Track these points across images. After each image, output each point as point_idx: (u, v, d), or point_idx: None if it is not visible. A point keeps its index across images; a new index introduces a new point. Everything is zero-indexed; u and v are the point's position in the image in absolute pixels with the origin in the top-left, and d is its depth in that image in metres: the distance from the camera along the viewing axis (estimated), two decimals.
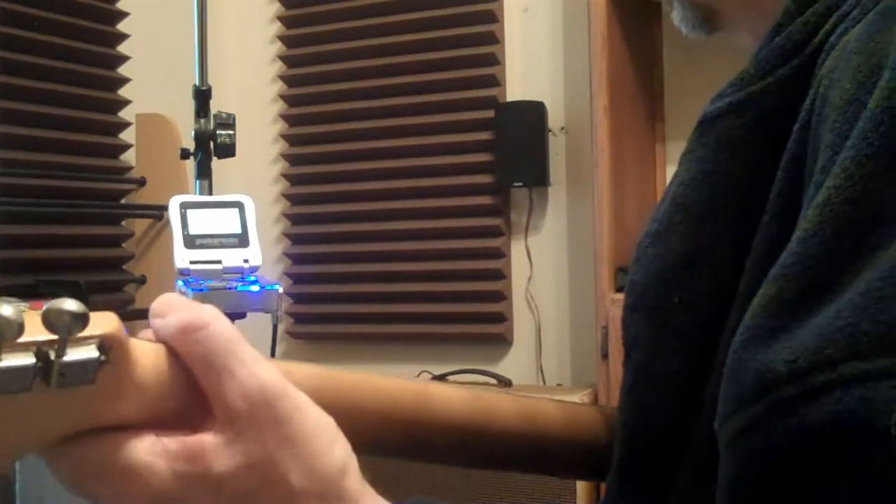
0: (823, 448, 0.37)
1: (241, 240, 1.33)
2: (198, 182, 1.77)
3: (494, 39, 2.68)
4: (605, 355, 2.16)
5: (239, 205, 1.36)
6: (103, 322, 0.37)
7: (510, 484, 2.15)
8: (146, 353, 0.40)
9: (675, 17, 0.67)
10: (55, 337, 0.35)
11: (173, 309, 0.42)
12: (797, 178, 0.46)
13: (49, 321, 0.35)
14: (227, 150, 1.75)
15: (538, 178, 2.58)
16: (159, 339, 0.42)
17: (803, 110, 0.47)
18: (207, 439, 0.41)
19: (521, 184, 2.60)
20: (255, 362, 0.42)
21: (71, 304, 0.35)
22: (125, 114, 2.54)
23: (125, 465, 0.39)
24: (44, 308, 0.35)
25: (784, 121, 0.48)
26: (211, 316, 0.42)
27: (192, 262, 1.28)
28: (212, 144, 1.75)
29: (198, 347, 0.41)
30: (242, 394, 0.41)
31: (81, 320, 0.35)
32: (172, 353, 0.42)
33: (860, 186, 0.39)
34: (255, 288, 1.27)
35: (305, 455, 0.42)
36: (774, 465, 0.39)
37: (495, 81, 2.67)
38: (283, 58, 2.97)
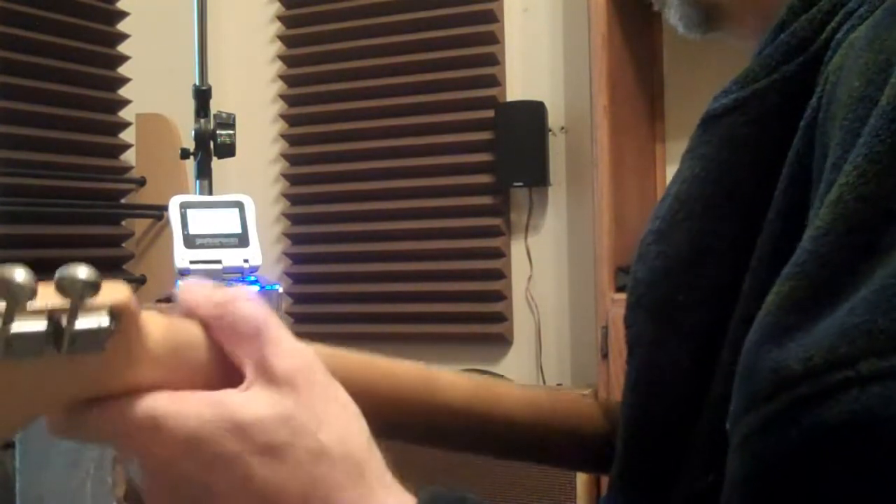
0: (840, 447, 0.37)
1: (241, 240, 1.33)
2: (198, 182, 1.77)
3: (494, 39, 2.68)
4: (605, 355, 2.16)
5: (239, 205, 1.36)
6: (114, 291, 0.37)
7: (511, 483, 2.15)
8: (156, 324, 0.40)
9: (672, 15, 0.66)
10: (67, 304, 0.35)
11: (207, 287, 0.44)
12: (803, 175, 0.46)
13: (62, 287, 0.35)
14: (227, 150, 1.75)
15: (538, 178, 2.58)
16: (193, 311, 0.43)
17: (810, 107, 0.46)
18: (233, 392, 0.41)
19: (521, 184, 2.60)
20: (292, 336, 0.44)
21: (84, 271, 0.35)
22: (125, 114, 2.54)
23: (147, 414, 0.39)
24: (57, 273, 0.35)
25: (789, 118, 0.48)
26: (256, 294, 0.44)
27: (192, 262, 1.29)
28: (212, 144, 1.75)
29: (248, 313, 0.43)
30: (287, 355, 0.42)
31: (93, 287, 0.35)
32: (183, 326, 0.42)
33: (873, 184, 0.39)
34: (255, 288, 1.28)
35: (336, 417, 0.42)
36: (790, 464, 0.39)
37: (495, 81, 2.67)
38: (283, 58, 2.97)
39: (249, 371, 0.42)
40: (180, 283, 0.45)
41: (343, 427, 0.43)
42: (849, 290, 0.38)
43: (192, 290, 0.44)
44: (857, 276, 0.38)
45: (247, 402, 0.41)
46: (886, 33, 0.43)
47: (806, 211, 0.44)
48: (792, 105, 0.48)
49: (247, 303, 0.43)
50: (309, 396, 0.42)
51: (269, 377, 0.41)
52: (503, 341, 2.68)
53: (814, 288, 0.40)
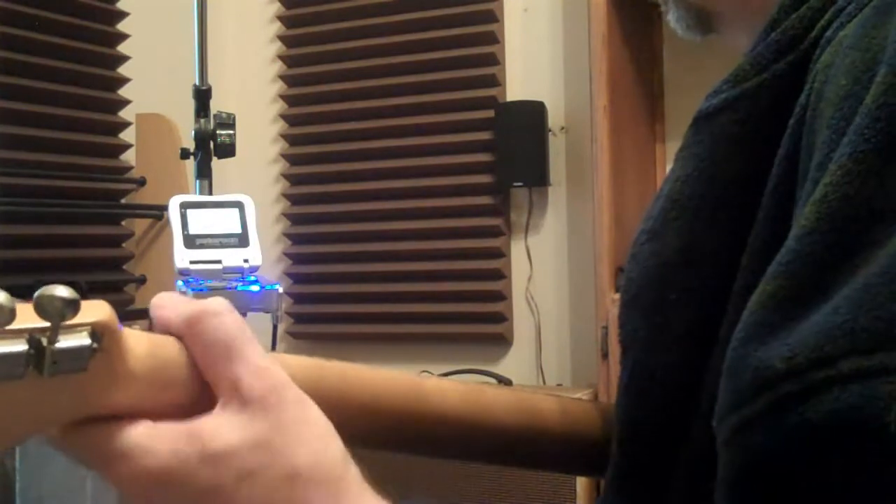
0: (822, 445, 0.37)
1: (241, 240, 1.33)
2: (198, 182, 1.77)
3: (494, 39, 2.68)
4: (605, 355, 2.16)
5: (239, 205, 1.36)
6: (95, 310, 0.37)
7: (510, 484, 2.15)
8: (139, 342, 0.40)
9: (671, 17, 0.67)
10: (47, 324, 0.35)
11: (177, 302, 0.43)
12: (792, 174, 0.46)
13: (41, 307, 0.35)
14: (227, 150, 1.75)
15: (538, 178, 2.58)
16: (166, 328, 0.43)
17: (799, 106, 0.46)
18: (206, 419, 0.41)
19: (521, 184, 2.60)
20: (263, 354, 0.43)
21: (62, 291, 0.35)
22: (125, 114, 2.54)
23: (122, 448, 0.40)
24: (36, 294, 0.35)
25: (780, 117, 0.48)
26: (227, 305, 0.43)
27: (192, 262, 1.28)
28: (212, 144, 1.75)
29: (215, 331, 0.42)
30: (257, 376, 0.42)
31: (73, 306, 0.35)
32: (165, 343, 0.42)
33: (857, 183, 0.39)
34: (255, 288, 1.27)
35: (310, 438, 0.42)
36: (773, 462, 0.39)
37: (495, 81, 2.67)
38: (283, 58, 2.97)
39: (221, 392, 0.42)
40: (152, 301, 0.44)
41: (317, 447, 0.42)
42: (832, 288, 0.38)
43: (164, 306, 0.43)
44: (841, 274, 0.38)
45: (220, 430, 0.41)
46: (874, 31, 0.43)
47: (794, 209, 0.44)
48: (782, 104, 0.48)
49: (214, 319, 0.42)
50: (281, 418, 0.42)
51: (241, 400, 0.41)
52: (503, 341, 2.68)
53: (798, 287, 0.40)
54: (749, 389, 0.40)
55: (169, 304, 0.43)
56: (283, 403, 0.42)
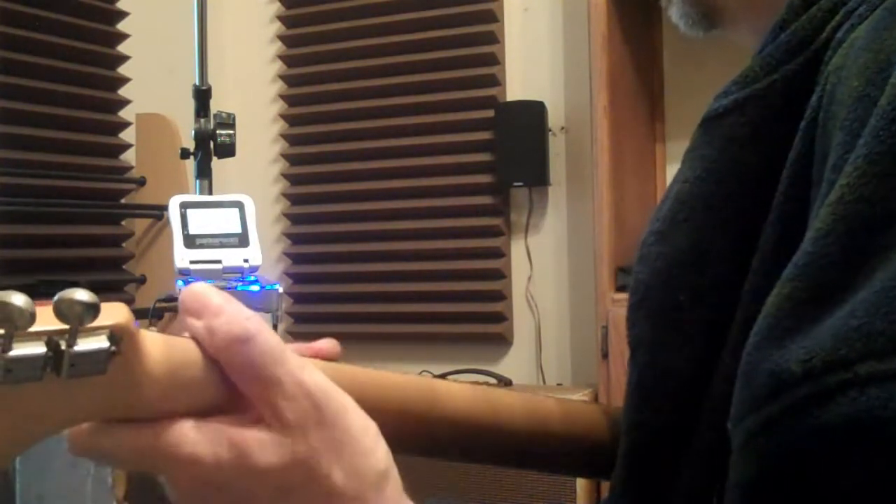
0: (839, 448, 0.37)
1: (241, 239, 1.33)
2: (198, 182, 1.77)
3: (494, 39, 2.68)
4: (605, 355, 2.16)
5: (239, 204, 1.36)
6: (114, 313, 0.37)
7: (510, 484, 2.15)
8: (156, 345, 0.40)
9: (674, 13, 0.66)
10: (66, 327, 0.35)
11: (208, 310, 0.42)
12: (804, 176, 0.46)
13: (60, 311, 0.35)
14: (227, 150, 1.75)
15: (538, 177, 2.58)
16: (196, 338, 0.43)
17: (810, 108, 0.46)
18: (251, 434, 0.41)
19: (521, 184, 2.60)
20: (301, 370, 0.42)
21: (82, 294, 0.35)
22: (125, 114, 2.54)
23: (166, 452, 0.40)
24: (55, 298, 0.35)
25: (789, 118, 0.48)
26: (256, 328, 0.42)
27: (192, 262, 1.28)
28: (212, 144, 1.75)
29: (244, 359, 0.41)
30: (294, 401, 0.41)
31: (93, 310, 0.35)
32: (181, 345, 0.42)
33: (873, 184, 0.39)
34: (255, 288, 1.27)
35: (349, 456, 0.42)
36: (790, 466, 0.39)
37: (495, 81, 2.67)
38: (283, 58, 2.97)
39: (262, 412, 0.42)
40: (181, 291, 0.43)
41: (355, 462, 0.43)
42: (849, 291, 0.38)
43: (195, 312, 0.42)
44: (858, 277, 0.38)
45: (265, 447, 0.41)
46: (886, 33, 0.42)
47: (807, 212, 0.44)
48: (792, 105, 0.48)
49: (242, 347, 0.41)
50: (321, 440, 0.42)
51: (281, 424, 0.41)
52: (503, 341, 2.68)
53: (814, 289, 0.40)
54: (765, 393, 0.39)
55: (196, 312, 0.42)
56: (323, 423, 0.42)
